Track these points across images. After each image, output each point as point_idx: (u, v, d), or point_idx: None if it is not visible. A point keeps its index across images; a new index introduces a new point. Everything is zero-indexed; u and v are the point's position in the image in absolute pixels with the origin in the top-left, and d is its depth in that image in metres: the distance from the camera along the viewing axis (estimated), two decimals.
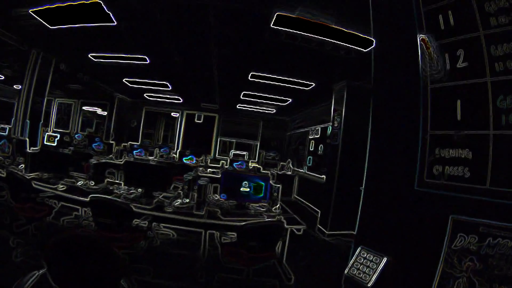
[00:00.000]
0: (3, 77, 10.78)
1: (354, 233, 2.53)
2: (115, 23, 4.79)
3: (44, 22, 5.17)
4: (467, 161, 1.94)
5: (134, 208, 3.28)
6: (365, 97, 6.35)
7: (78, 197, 3.73)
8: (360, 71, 5.70)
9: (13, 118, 7.12)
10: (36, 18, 5.01)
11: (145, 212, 3.55)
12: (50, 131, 12.02)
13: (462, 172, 1.95)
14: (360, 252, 2.34)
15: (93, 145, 8.87)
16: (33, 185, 3.80)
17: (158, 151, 9.87)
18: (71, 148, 5.14)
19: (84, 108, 14.66)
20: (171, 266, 4.10)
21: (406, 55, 2.31)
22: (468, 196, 1.90)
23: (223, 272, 3.81)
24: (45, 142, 7.97)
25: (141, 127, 14.34)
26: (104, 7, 4.30)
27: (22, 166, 4.60)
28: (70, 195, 3.82)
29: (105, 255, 1.42)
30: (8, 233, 4.18)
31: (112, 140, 11.47)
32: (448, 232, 1.91)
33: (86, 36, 5.70)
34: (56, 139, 8.06)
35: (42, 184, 4.03)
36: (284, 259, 4.32)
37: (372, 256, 2.26)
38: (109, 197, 3.40)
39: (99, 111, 14.56)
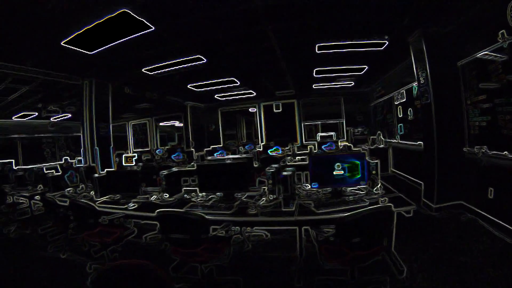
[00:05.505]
0: (70, 115, 11.66)
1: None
2: (153, 28, 4.49)
3: (82, 50, 5.08)
4: None
5: (206, 217, 2.96)
6: (447, 43, 5.38)
7: (145, 214, 3.57)
8: (434, 12, 4.74)
9: (82, 148, 7.52)
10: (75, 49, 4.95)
11: (224, 218, 3.21)
12: (130, 152, 12.64)
13: None
14: None
15: (172, 156, 9.02)
16: (97, 209, 3.71)
17: (242, 148, 9.73)
18: (140, 164, 5.13)
19: (161, 124, 15.23)
20: (264, 273, 3.74)
21: None
22: None
23: (323, 274, 3.30)
24: (123, 164, 8.18)
25: (220, 129, 14.45)
26: (133, 14, 4.00)
27: (92, 193, 4.62)
28: (137, 213, 3.67)
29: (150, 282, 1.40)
30: (87, 259, 4.24)
31: (192, 148, 11.65)
32: None
33: (130, 50, 5.52)
34: (134, 158, 8.20)
35: (111, 206, 3.96)
36: (393, 246, 3.70)
37: None
38: (177, 209, 3.15)
39: (176, 123, 14.96)
